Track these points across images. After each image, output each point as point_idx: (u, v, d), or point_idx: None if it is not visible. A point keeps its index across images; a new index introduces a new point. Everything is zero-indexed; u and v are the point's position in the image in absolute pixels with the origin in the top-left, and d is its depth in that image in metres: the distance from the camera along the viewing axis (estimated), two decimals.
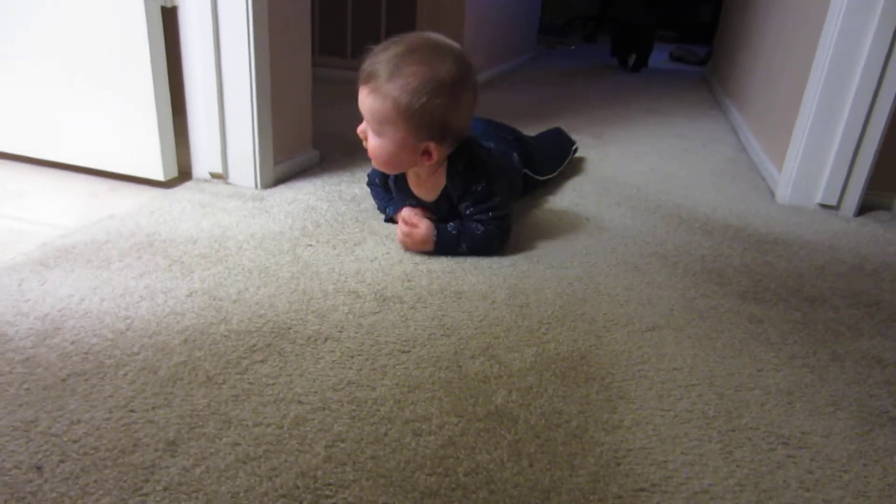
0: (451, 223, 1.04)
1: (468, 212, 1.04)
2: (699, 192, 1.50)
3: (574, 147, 1.61)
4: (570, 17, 3.46)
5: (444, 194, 1.05)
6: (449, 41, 0.96)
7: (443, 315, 0.86)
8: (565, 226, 1.22)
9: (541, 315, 0.88)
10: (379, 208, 1.19)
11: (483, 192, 1.02)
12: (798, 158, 1.41)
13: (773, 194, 1.51)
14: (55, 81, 1.21)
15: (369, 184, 1.20)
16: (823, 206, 1.42)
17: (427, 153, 0.97)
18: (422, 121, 0.92)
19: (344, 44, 2.57)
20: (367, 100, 0.94)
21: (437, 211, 1.07)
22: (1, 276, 0.88)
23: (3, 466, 0.58)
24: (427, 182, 1.05)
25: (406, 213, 1.05)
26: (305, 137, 1.43)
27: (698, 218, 1.31)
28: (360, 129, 1.00)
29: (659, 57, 4.62)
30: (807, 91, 1.40)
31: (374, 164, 1.02)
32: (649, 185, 1.51)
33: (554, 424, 0.67)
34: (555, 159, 1.48)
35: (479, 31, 2.64)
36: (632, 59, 3.69)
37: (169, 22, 1.19)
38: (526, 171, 1.30)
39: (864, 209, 1.42)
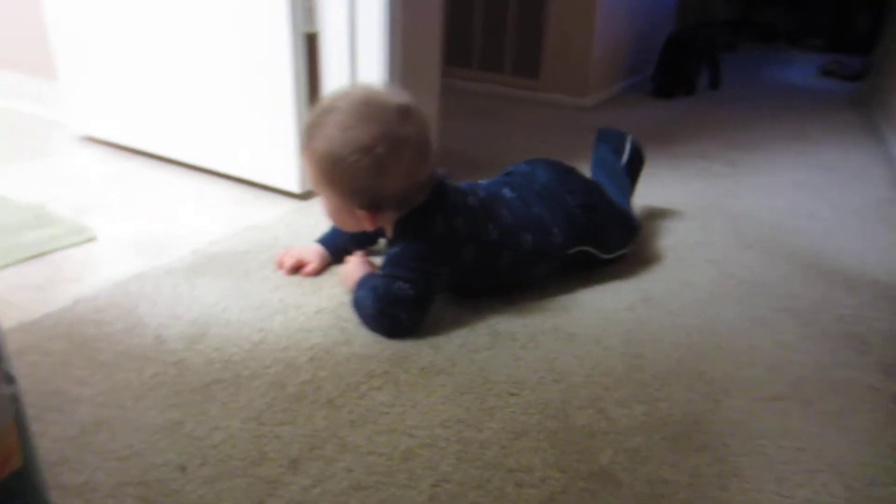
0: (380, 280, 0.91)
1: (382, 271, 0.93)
2: (844, 237, 1.38)
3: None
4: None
5: None
6: (387, 96, 0.88)
7: (554, 358, 0.87)
8: (688, 268, 1.17)
9: (655, 369, 0.86)
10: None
11: (397, 254, 0.91)
12: None
13: None
14: (217, 101, 1.34)
15: None
16: None
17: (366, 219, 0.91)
18: (344, 187, 0.88)
19: (471, 54, 2.61)
20: (303, 160, 0.92)
21: None
22: (161, 279, 1.00)
23: (154, 462, 0.66)
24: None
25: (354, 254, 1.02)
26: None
27: (840, 270, 1.21)
28: None
29: (807, 71, 4.27)
30: None
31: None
32: (786, 226, 1.41)
33: (659, 494, 0.66)
34: (628, 225, 1.18)
35: (608, 41, 2.58)
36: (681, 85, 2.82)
37: (310, 46, 1.28)
38: (587, 248, 1.07)
39: None
